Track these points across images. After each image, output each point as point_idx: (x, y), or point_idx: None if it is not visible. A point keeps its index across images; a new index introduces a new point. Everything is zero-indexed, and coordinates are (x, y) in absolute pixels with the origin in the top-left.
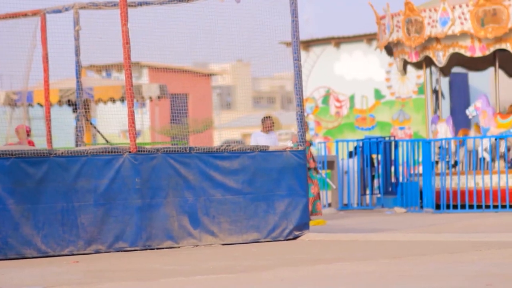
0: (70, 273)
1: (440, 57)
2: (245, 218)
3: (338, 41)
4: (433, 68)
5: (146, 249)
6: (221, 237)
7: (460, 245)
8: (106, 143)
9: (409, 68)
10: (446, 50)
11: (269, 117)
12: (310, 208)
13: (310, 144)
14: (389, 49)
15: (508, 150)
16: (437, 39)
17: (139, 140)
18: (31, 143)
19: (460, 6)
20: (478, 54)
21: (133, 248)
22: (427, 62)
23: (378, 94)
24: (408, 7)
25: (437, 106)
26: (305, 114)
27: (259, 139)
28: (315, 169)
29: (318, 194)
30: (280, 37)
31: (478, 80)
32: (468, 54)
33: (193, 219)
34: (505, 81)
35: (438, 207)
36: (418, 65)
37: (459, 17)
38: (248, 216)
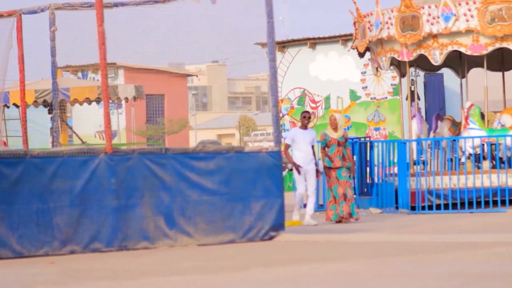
0: (46, 273)
1: (437, 56)
2: (221, 218)
3: (313, 42)
4: (411, 69)
5: (122, 250)
6: (197, 238)
7: (435, 245)
8: (82, 144)
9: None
10: (443, 48)
11: (304, 112)
12: (343, 209)
13: (338, 141)
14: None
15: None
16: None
17: (115, 141)
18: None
19: (467, 3)
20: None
21: (108, 249)
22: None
23: (353, 95)
24: (404, 3)
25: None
26: (281, 115)
27: (295, 135)
28: (348, 168)
29: (344, 195)
30: (255, 38)
31: (453, 81)
32: (469, 52)
33: (169, 219)
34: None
35: (413, 208)
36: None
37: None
38: (224, 217)
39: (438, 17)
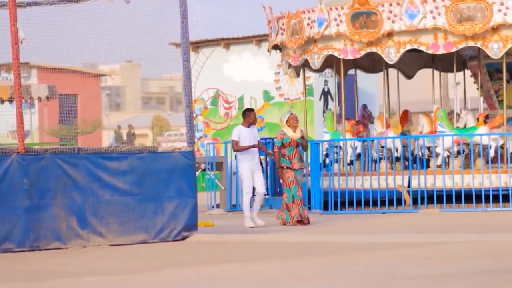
0: None
1: (315, 60)
2: (133, 219)
3: (227, 43)
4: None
5: (34, 250)
6: (109, 238)
7: (348, 246)
8: None
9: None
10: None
11: (248, 109)
12: (298, 210)
13: (297, 142)
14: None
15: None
16: (314, 41)
17: (27, 140)
18: None
19: (336, 8)
20: (349, 56)
21: (20, 249)
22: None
23: (267, 96)
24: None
25: (325, 107)
26: (194, 115)
27: (241, 133)
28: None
29: (302, 200)
30: (169, 38)
31: (366, 82)
32: (341, 56)
33: (81, 220)
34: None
35: (326, 208)
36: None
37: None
38: (136, 217)
39: (314, 22)
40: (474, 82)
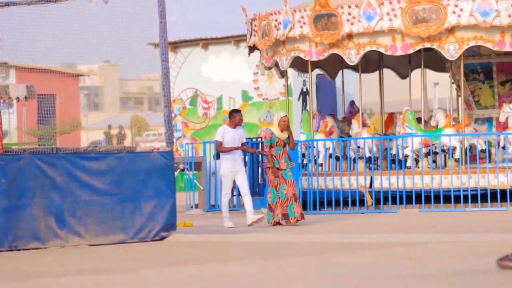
0: None
1: (283, 61)
2: (112, 219)
3: (206, 43)
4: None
5: (12, 250)
6: (87, 238)
7: (329, 246)
8: None
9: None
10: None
11: (234, 110)
12: (282, 210)
13: (284, 142)
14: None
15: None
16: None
17: (6, 141)
18: None
19: (300, 10)
20: (314, 58)
21: None
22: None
23: (245, 96)
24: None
25: (303, 108)
26: (173, 115)
27: (225, 133)
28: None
29: (294, 195)
30: (148, 38)
31: (346, 81)
32: (307, 58)
33: (60, 220)
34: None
35: (304, 208)
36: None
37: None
38: (115, 217)
39: (280, 23)
40: (453, 83)
